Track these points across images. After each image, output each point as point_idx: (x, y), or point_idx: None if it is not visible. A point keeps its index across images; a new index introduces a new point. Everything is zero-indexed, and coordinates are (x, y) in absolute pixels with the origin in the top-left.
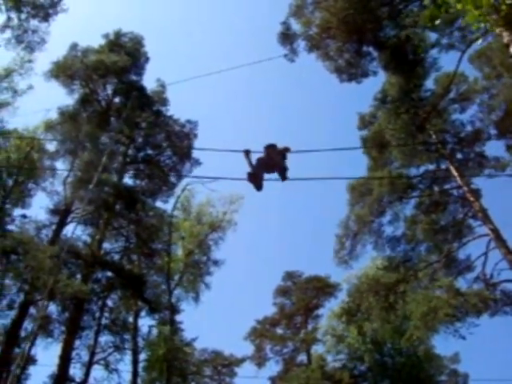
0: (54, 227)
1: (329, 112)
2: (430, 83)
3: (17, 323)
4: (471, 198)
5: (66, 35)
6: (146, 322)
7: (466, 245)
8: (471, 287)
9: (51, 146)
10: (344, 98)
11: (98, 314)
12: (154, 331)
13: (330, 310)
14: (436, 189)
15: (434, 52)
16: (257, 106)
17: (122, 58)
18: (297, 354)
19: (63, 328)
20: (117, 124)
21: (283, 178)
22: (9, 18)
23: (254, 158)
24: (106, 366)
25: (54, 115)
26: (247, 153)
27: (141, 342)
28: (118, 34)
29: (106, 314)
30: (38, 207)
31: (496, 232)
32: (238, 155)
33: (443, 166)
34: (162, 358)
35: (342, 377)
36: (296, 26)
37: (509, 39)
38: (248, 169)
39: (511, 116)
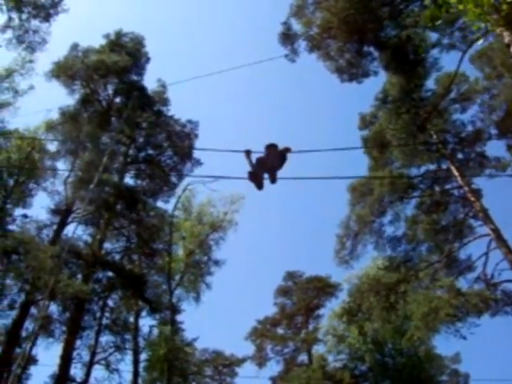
0: (54, 227)
1: (330, 112)
2: (430, 83)
3: (18, 323)
4: (472, 198)
5: (67, 35)
6: (146, 322)
7: (466, 245)
8: (472, 287)
9: (52, 146)
10: (345, 98)
11: (98, 314)
12: (155, 331)
13: (330, 310)
14: (437, 189)
15: (434, 52)
16: (258, 106)
17: (122, 58)
18: (298, 354)
19: (64, 328)
20: (118, 124)
21: (271, 179)
22: (10, 19)
23: (255, 158)
24: (107, 366)
25: (54, 115)
26: (248, 153)
27: (142, 342)
28: (119, 34)
29: (107, 314)
30: (39, 207)
31: (497, 232)
32: (238, 155)
33: (444, 166)
34: (163, 358)
35: (342, 377)
36: (297, 26)
37: (509, 39)
38: (249, 169)
39: None
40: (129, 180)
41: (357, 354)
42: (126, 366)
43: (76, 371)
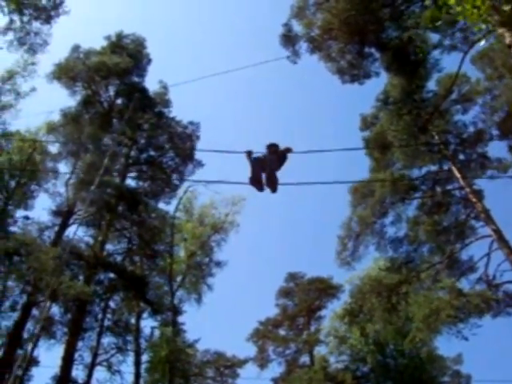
0: (56, 229)
1: (331, 113)
2: (432, 84)
3: (19, 325)
4: (474, 199)
5: (68, 37)
6: (148, 324)
7: (468, 246)
8: (474, 288)
9: (53, 148)
10: (346, 100)
11: (100, 316)
12: (157, 332)
13: (332, 311)
14: (438, 190)
15: (436, 53)
16: (259, 107)
17: (124, 60)
18: (299, 356)
19: (66, 329)
20: (119, 125)
21: (270, 184)
22: (11, 21)
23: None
24: (109, 367)
25: (56, 117)
26: (249, 154)
27: (143, 344)
28: (120, 36)
29: (109, 316)
30: (41, 209)
31: (499, 233)
32: (240, 156)
33: (445, 167)
34: (165, 359)
35: (344, 378)
36: (298, 27)
37: (511, 40)
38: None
39: None
40: (130, 181)
41: (358, 356)
42: (127, 368)
43: (78, 373)
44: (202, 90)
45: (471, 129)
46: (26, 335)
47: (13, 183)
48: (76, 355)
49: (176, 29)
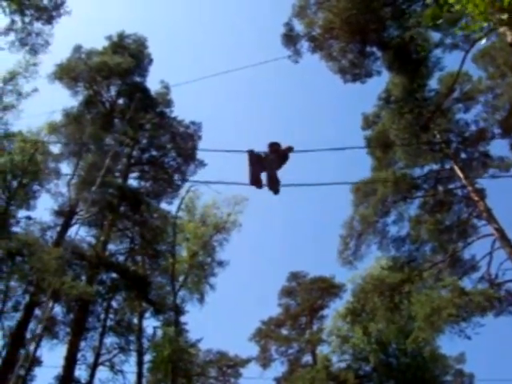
0: (58, 229)
1: (333, 112)
2: (433, 83)
3: (22, 325)
4: (476, 198)
5: (70, 37)
6: (150, 324)
7: (470, 245)
8: (476, 287)
9: (55, 148)
10: (348, 99)
11: (102, 316)
12: (159, 332)
13: (334, 310)
14: (440, 189)
15: (437, 52)
16: (260, 106)
17: (125, 60)
18: (302, 355)
19: (68, 329)
20: (121, 125)
21: (269, 185)
22: (12, 21)
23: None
24: (111, 367)
25: (58, 117)
26: (251, 153)
27: (146, 344)
28: (122, 36)
29: (111, 316)
30: (43, 209)
31: (501, 232)
32: (242, 156)
33: (447, 166)
34: (167, 359)
35: (346, 377)
36: (299, 26)
37: None
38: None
39: None
40: (132, 181)
41: (361, 355)
42: (130, 368)
43: (80, 372)
44: (204, 89)
45: (473, 127)
46: (28, 335)
47: (15, 183)
48: (79, 355)
49: (177, 29)
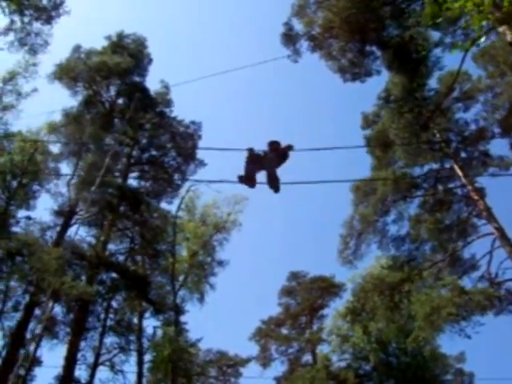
0: (58, 229)
1: (332, 112)
2: (433, 82)
3: (22, 325)
4: (475, 197)
5: (69, 37)
6: (150, 323)
7: (470, 244)
8: (476, 286)
9: (55, 148)
10: (347, 98)
11: (102, 316)
12: (159, 332)
13: (334, 309)
14: (440, 188)
15: (437, 51)
16: (260, 106)
17: (124, 60)
18: (302, 354)
19: (68, 329)
20: (120, 125)
21: (269, 184)
22: (12, 21)
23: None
24: (112, 367)
25: (57, 117)
26: (251, 151)
27: (146, 343)
28: (121, 36)
29: (111, 315)
30: (43, 209)
31: (501, 231)
32: (241, 156)
33: (447, 165)
34: (167, 358)
35: (347, 377)
36: (298, 26)
37: None
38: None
39: None
40: (132, 181)
41: (361, 354)
42: (130, 367)
43: (80, 372)
44: (203, 89)
45: (473, 127)
46: (28, 335)
47: (15, 183)
48: (79, 355)
49: (177, 28)
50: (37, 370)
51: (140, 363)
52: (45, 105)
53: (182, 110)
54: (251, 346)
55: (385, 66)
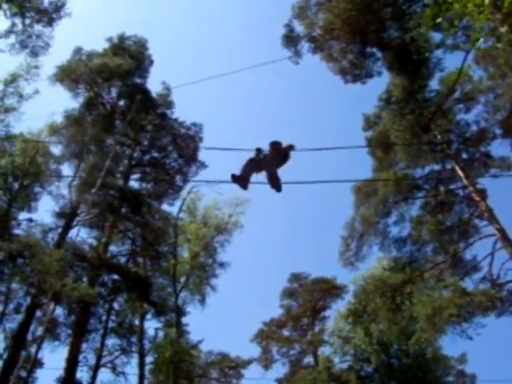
0: (59, 230)
1: (333, 113)
2: (434, 83)
3: (24, 327)
4: (477, 198)
5: (70, 39)
6: (152, 325)
7: (472, 245)
8: (478, 287)
9: (56, 150)
10: (348, 99)
11: (104, 317)
12: (161, 334)
13: (336, 311)
14: (441, 189)
15: (438, 52)
16: (261, 108)
17: (126, 61)
18: (303, 356)
19: (70, 331)
20: (122, 127)
21: (271, 184)
22: (13, 24)
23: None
24: (113, 369)
25: (59, 119)
26: (258, 151)
27: (147, 345)
28: (122, 38)
29: (113, 317)
30: (44, 211)
31: (502, 232)
32: (243, 158)
33: (448, 166)
34: (169, 360)
35: (348, 378)
36: (299, 27)
37: None
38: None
39: None
40: (133, 183)
41: (363, 356)
42: (131, 369)
43: (82, 374)
44: (205, 91)
45: (474, 128)
46: (30, 337)
47: (16, 185)
48: (80, 357)
49: (178, 30)
50: (38, 372)
51: (141, 365)
52: (46, 107)
53: (183, 111)
54: (253, 348)
55: (386, 67)
